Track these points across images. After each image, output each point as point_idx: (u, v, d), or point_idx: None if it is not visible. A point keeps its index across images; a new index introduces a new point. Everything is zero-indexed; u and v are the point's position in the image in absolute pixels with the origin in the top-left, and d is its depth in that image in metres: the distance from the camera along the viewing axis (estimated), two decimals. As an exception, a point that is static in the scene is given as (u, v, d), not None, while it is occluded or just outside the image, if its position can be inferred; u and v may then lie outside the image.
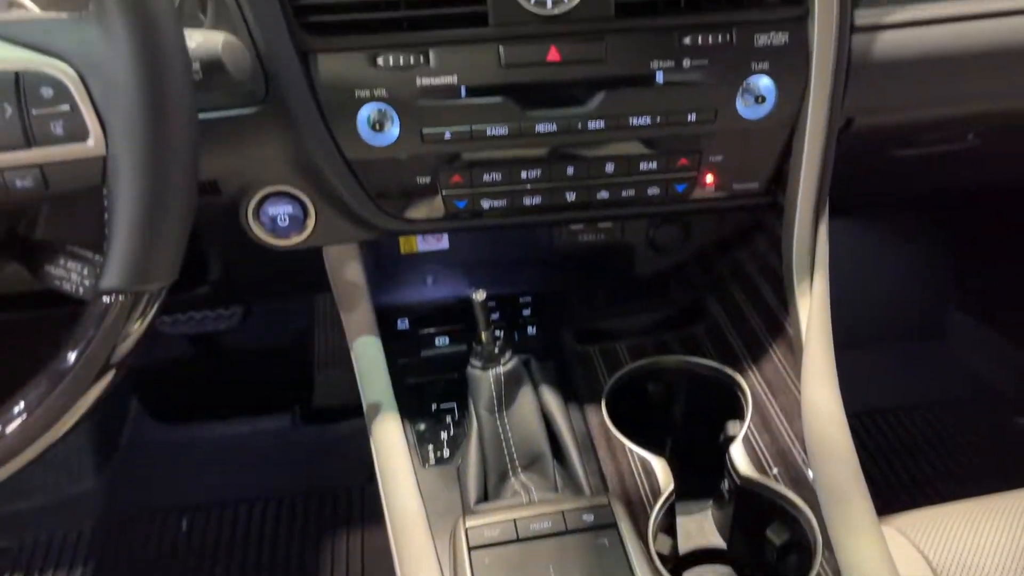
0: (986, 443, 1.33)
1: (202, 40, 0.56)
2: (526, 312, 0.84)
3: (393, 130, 0.64)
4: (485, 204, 0.68)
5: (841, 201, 1.08)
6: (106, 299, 0.46)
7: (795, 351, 0.69)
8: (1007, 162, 0.96)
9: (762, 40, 0.64)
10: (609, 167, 0.68)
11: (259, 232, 0.68)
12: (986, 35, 0.69)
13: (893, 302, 1.52)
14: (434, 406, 0.76)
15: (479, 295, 0.65)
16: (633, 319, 0.83)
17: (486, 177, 0.67)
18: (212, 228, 0.69)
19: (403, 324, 0.84)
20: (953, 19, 0.69)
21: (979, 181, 1.04)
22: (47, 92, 0.43)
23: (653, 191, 0.69)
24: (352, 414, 0.78)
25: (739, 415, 0.72)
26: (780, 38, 0.64)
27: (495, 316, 0.82)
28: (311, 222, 0.69)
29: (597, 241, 0.84)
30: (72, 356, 0.46)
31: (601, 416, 0.72)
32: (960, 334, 1.48)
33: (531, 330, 0.83)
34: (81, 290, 0.50)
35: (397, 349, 0.77)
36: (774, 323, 0.73)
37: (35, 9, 0.56)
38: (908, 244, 1.55)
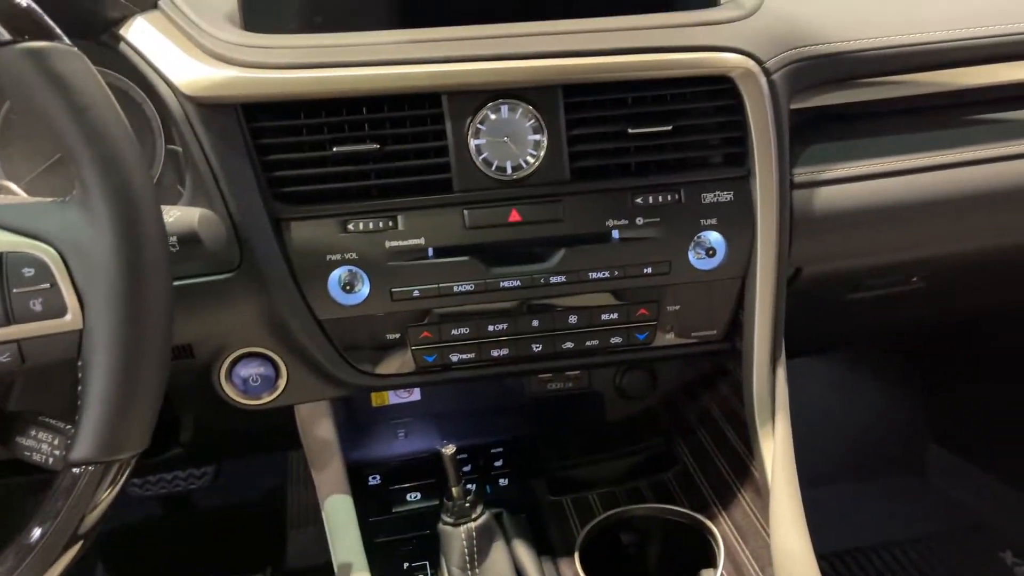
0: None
1: (179, 215, 0.59)
2: (498, 463, 0.84)
3: (363, 290, 0.66)
4: (454, 357, 0.70)
5: (813, 341, 1.12)
6: (76, 470, 0.46)
7: (762, 495, 0.69)
8: (951, 300, 1.00)
9: (709, 198, 0.69)
10: (572, 319, 0.71)
11: (231, 393, 0.70)
12: (915, 189, 0.75)
13: (873, 437, 1.54)
14: (406, 564, 0.75)
15: (448, 449, 0.66)
16: (605, 467, 0.83)
17: (454, 331, 0.69)
18: (184, 391, 0.70)
19: (375, 480, 0.84)
20: (885, 175, 0.75)
21: (929, 319, 1.09)
22: (28, 271, 0.45)
23: (616, 340, 0.72)
24: (328, 574, 0.76)
25: (712, 562, 0.71)
26: (726, 196, 0.69)
27: (467, 468, 0.83)
28: (282, 381, 0.70)
29: (566, 389, 0.86)
30: (39, 530, 0.46)
31: (575, 569, 0.71)
32: (940, 467, 1.49)
33: (503, 481, 0.83)
34: (51, 460, 0.50)
35: (369, 506, 0.77)
36: (741, 467, 0.74)
37: (22, 194, 0.60)
38: (884, 378, 1.58)
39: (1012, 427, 1.41)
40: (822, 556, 1.30)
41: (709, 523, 0.73)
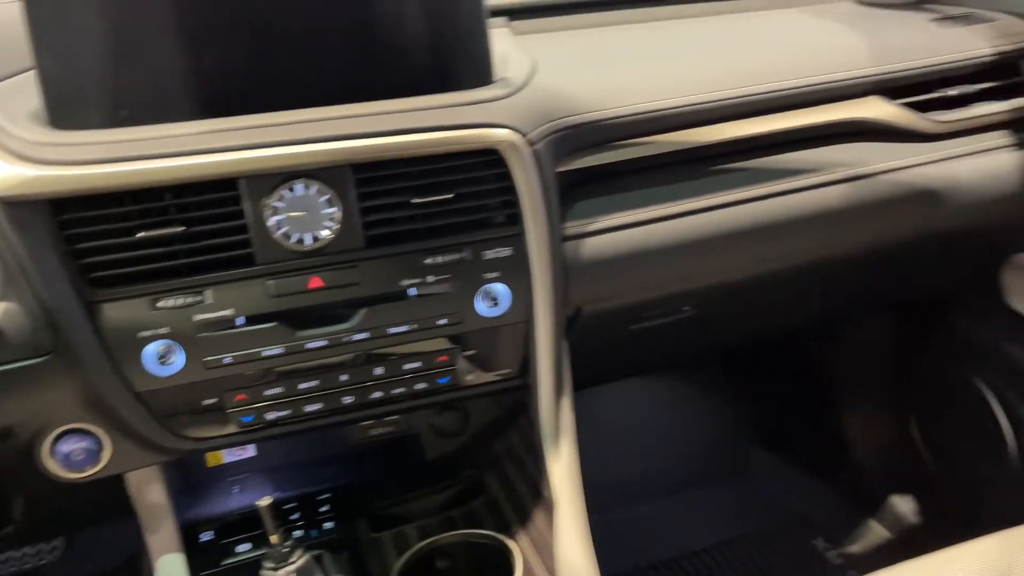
0: (793, 568, 1.46)
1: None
2: (324, 508, 0.90)
3: (178, 361, 0.72)
4: (270, 416, 0.76)
5: (613, 368, 1.23)
6: None
7: (552, 513, 0.79)
8: (722, 325, 1.15)
9: (490, 254, 0.78)
10: (378, 370, 0.78)
11: (55, 469, 0.73)
12: (675, 233, 0.87)
13: (703, 447, 1.68)
14: None
15: (263, 502, 0.72)
16: (423, 501, 0.91)
17: (267, 392, 0.76)
18: (7, 470, 0.73)
19: (208, 536, 0.88)
20: (648, 221, 0.86)
21: (705, 343, 1.23)
22: None
23: (420, 386, 0.80)
24: None
25: None
26: (505, 252, 0.79)
27: (295, 516, 0.88)
28: (106, 453, 0.74)
29: (387, 433, 0.93)
30: None
31: None
32: (763, 469, 1.64)
33: (329, 525, 0.89)
34: None
35: (200, 562, 0.81)
36: (536, 490, 0.83)
37: None
38: (711, 392, 1.72)
39: (820, 427, 1.58)
40: (653, 566, 1.42)
41: (509, 542, 0.82)
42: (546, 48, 1.01)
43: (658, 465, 1.62)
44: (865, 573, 0.78)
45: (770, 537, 1.48)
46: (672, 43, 1.05)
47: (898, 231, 0.99)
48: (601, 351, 1.04)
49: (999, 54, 1.02)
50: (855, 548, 1.44)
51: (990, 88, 1.02)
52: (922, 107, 0.98)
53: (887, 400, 1.46)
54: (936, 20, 1.09)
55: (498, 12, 1.13)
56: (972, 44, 1.02)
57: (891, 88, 0.97)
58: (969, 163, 0.98)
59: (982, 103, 1.01)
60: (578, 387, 1.43)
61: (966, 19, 1.09)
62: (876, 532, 1.45)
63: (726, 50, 1.00)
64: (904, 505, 1.44)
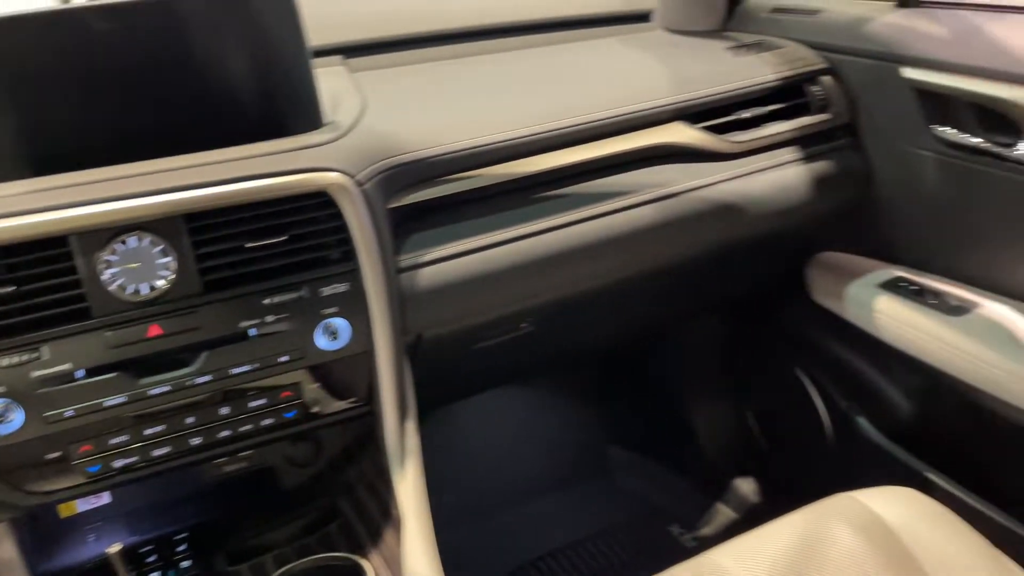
0: (652, 555, 1.56)
1: None
2: (181, 548, 0.92)
3: (17, 418, 0.72)
4: (117, 463, 0.78)
5: (464, 384, 1.30)
6: None
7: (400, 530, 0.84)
8: (561, 337, 1.24)
9: (327, 291, 0.82)
10: (224, 410, 0.81)
11: None
12: (505, 258, 0.94)
13: (566, 449, 1.77)
14: None
15: (113, 549, 0.74)
16: (280, 531, 0.94)
17: (113, 441, 0.77)
18: None
19: None
20: (479, 249, 0.93)
21: (548, 355, 1.32)
22: None
23: (267, 422, 0.83)
24: None
25: None
26: (342, 287, 0.83)
27: (152, 559, 0.90)
28: (-53, 514, 0.74)
29: (243, 468, 0.96)
30: None
31: None
32: (621, 466, 1.74)
33: (187, 564, 0.91)
34: None
35: None
36: (386, 511, 0.88)
37: None
38: (571, 397, 1.82)
39: (669, 422, 1.70)
40: (521, 567, 1.49)
41: (362, 561, 0.87)
42: (378, 86, 1.06)
43: (525, 469, 1.69)
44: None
45: (630, 528, 1.57)
46: (497, 78, 1.12)
47: (707, 242, 1.10)
48: (449, 371, 1.10)
49: (785, 79, 1.15)
50: (707, 530, 1.56)
51: (779, 109, 1.14)
52: (720, 129, 1.09)
53: (725, 393, 1.59)
54: (732, 48, 1.21)
55: (333, 51, 1.17)
56: (762, 71, 1.15)
57: (692, 113, 1.08)
58: (763, 177, 1.10)
59: (772, 123, 1.13)
60: (436, 406, 1.49)
61: (758, 47, 1.21)
62: (724, 514, 1.57)
63: (545, 85, 1.09)
64: (746, 487, 1.57)
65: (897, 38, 1.09)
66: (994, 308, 1.07)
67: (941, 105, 1.05)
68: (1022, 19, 1.01)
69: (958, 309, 1.08)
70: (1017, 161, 0.99)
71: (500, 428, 1.72)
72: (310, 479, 0.98)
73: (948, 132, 1.06)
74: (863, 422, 1.28)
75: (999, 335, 1.03)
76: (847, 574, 0.82)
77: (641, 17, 1.34)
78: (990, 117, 1.00)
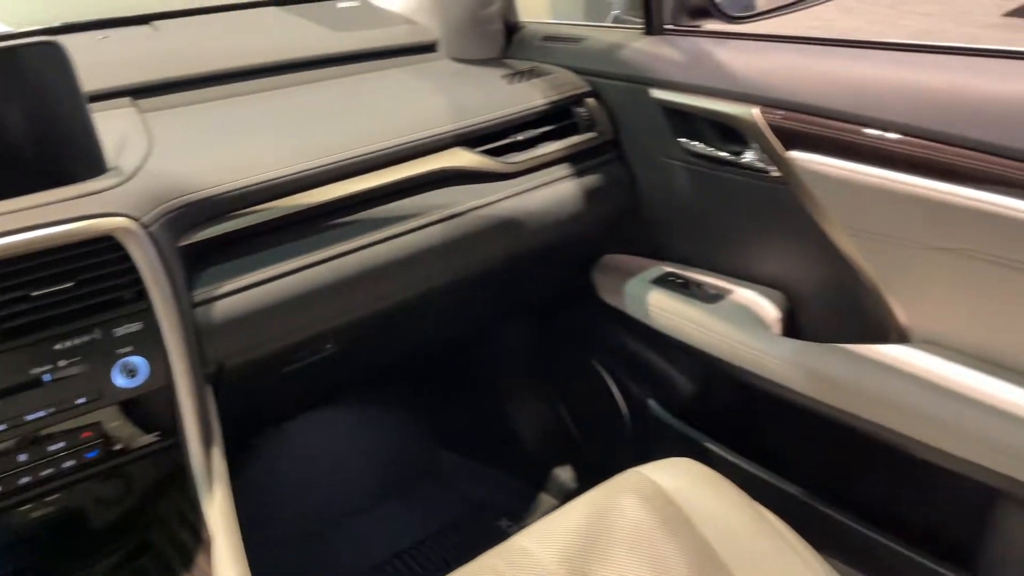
0: (482, 550, 1.65)
1: None
2: None
3: None
4: None
5: (284, 407, 1.33)
6: None
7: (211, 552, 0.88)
8: (369, 353, 1.31)
9: (121, 331, 0.85)
10: (22, 456, 0.82)
11: None
12: (298, 284, 0.99)
13: (398, 458, 1.83)
14: None
15: None
16: (92, 570, 0.95)
17: None
18: None
19: None
20: (274, 278, 0.98)
21: (359, 371, 1.39)
22: None
23: (69, 464, 0.85)
24: None
25: None
26: (136, 326, 0.86)
27: None
28: None
29: (51, 512, 0.96)
30: None
31: None
32: (452, 468, 1.83)
33: None
34: None
35: None
36: (197, 535, 0.91)
37: None
38: (399, 408, 1.88)
39: (492, 421, 1.80)
40: (360, 574, 1.54)
41: None
42: (168, 126, 1.09)
43: (356, 485, 1.74)
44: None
45: (460, 527, 1.66)
46: (287, 113, 1.17)
47: (495, 255, 1.20)
48: (263, 396, 1.14)
49: (553, 103, 1.27)
50: (530, 520, 1.67)
51: (551, 130, 1.26)
52: (498, 152, 1.20)
53: (539, 389, 1.71)
54: (507, 76, 1.33)
55: (122, 93, 1.19)
56: (534, 96, 1.27)
57: (472, 138, 1.18)
58: (540, 193, 1.22)
59: (546, 143, 1.25)
60: (258, 430, 1.51)
61: (531, 73, 1.33)
62: (546, 502, 1.69)
63: (332, 117, 1.15)
64: (563, 474, 1.70)
65: (644, 63, 1.24)
66: (743, 294, 1.23)
67: (685, 120, 1.21)
68: (742, 44, 1.18)
69: (714, 297, 1.24)
70: (746, 166, 1.15)
71: (328, 447, 1.76)
72: (121, 516, 1.00)
73: (692, 144, 1.21)
74: (653, 404, 1.43)
75: (747, 318, 1.19)
76: (632, 540, 0.94)
77: (428, 48, 1.43)
78: (722, 129, 1.16)
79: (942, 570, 1.08)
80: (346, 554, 1.59)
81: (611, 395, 1.51)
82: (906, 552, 1.12)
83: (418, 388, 1.84)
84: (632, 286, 1.32)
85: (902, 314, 1.07)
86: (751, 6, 1.30)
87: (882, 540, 1.14)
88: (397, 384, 1.84)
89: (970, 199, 0.91)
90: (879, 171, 0.98)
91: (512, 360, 1.72)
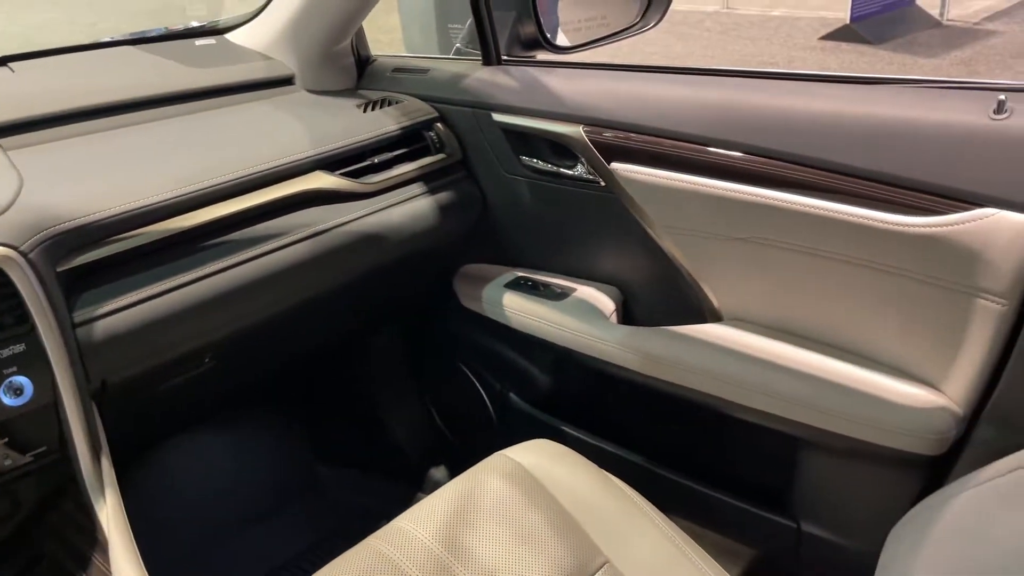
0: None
1: None
2: None
3: None
4: None
5: (168, 423, 1.39)
6: None
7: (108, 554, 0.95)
8: (247, 364, 1.39)
9: (6, 353, 0.91)
10: None
11: None
12: (173, 303, 1.07)
13: (277, 473, 1.88)
14: None
15: None
16: None
17: None
18: None
19: None
20: (150, 297, 1.05)
21: (240, 384, 1.47)
22: None
23: None
24: None
25: None
26: (19, 348, 0.92)
27: None
28: None
29: None
30: None
31: None
32: (332, 482, 1.90)
33: None
34: None
35: None
36: (93, 540, 0.97)
37: None
38: (276, 429, 1.93)
39: (368, 429, 1.88)
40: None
41: None
42: (36, 162, 1.14)
43: (240, 498, 1.79)
44: None
45: (341, 535, 1.74)
46: (152, 145, 1.24)
47: (359, 267, 1.31)
48: (146, 411, 1.20)
49: (405, 128, 1.40)
50: None
51: (405, 152, 1.39)
52: (358, 174, 1.31)
53: (412, 393, 1.82)
54: (361, 105, 1.44)
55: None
56: (387, 123, 1.39)
57: (332, 162, 1.29)
58: (398, 210, 1.34)
59: (401, 165, 1.38)
60: (143, 447, 1.55)
61: (383, 102, 1.46)
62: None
63: (197, 147, 1.23)
64: (439, 473, 1.81)
65: (485, 90, 1.39)
66: (584, 291, 1.40)
67: (523, 140, 1.36)
68: (569, 72, 1.35)
69: (560, 296, 1.39)
70: (577, 178, 1.31)
71: (211, 466, 1.80)
72: (13, 531, 1.04)
73: (531, 160, 1.37)
74: (514, 396, 1.57)
75: (589, 311, 1.35)
76: (499, 512, 1.06)
77: (286, 81, 1.53)
78: (555, 147, 1.32)
79: (768, 515, 1.27)
80: (232, 568, 1.64)
81: (477, 393, 1.64)
82: (737, 503, 1.30)
83: (296, 405, 1.91)
84: (489, 291, 1.46)
85: (714, 298, 1.26)
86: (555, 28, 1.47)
87: (715, 495, 1.32)
88: (277, 402, 1.90)
89: (751, 194, 1.10)
90: (681, 175, 1.16)
91: (384, 370, 1.82)
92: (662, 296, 1.34)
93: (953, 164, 0.95)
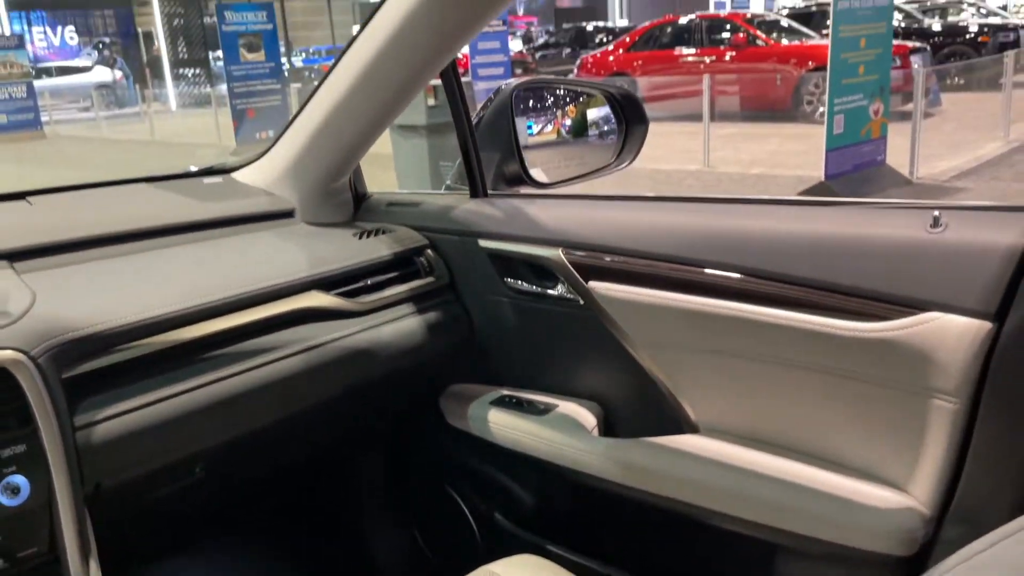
0: None
1: None
2: None
3: None
4: None
5: (162, 533, 1.39)
6: None
7: None
8: (236, 475, 1.42)
9: (7, 452, 0.95)
10: None
11: None
12: (167, 410, 1.11)
13: None
14: None
15: None
16: None
17: None
18: None
19: None
20: (144, 406, 1.09)
21: (227, 499, 1.48)
22: None
23: None
24: None
25: None
26: (20, 448, 0.96)
27: None
28: None
29: None
30: None
31: None
32: None
33: None
34: None
35: None
36: None
37: None
38: (267, 550, 1.91)
39: (350, 550, 1.86)
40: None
41: None
42: (47, 282, 1.22)
43: None
44: None
45: None
46: (160, 268, 1.32)
47: (349, 382, 1.36)
48: (136, 523, 1.21)
49: (397, 254, 1.49)
50: None
51: (396, 276, 1.48)
52: (352, 294, 1.39)
53: (394, 517, 1.82)
54: (357, 234, 1.55)
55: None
56: (381, 249, 1.49)
57: (327, 283, 1.37)
58: (388, 328, 1.41)
59: (392, 286, 1.46)
60: (140, 561, 1.54)
61: (378, 232, 1.56)
62: None
63: (201, 269, 1.32)
64: (424, 600, 1.78)
65: (472, 220, 1.50)
66: (567, 406, 1.45)
67: (507, 264, 1.45)
68: (548, 202, 1.46)
69: (544, 412, 1.44)
70: (558, 298, 1.40)
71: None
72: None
73: (514, 282, 1.46)
74: (499, 516, 1.58)
75: (571, 425, 1.39)
76: (482, 625, 1.07)
77: (286, 214, 1.64)
78: (537, 269, 1.41)
79: None
80: None
81: (463, 515, 1.65)
82: None
83: (283, 530, 1.90)
84: (475, 409, 1.51)
85: (690, 410, 1.31)
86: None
87: None
88: (261, 527, 1.90)
89: (718, 307, 1.18)
90: (654, 291, 1.25)
91: (369, 489, 1.83)
92: (641, 409, 1.39)
93: (898, 273, 1.03)
